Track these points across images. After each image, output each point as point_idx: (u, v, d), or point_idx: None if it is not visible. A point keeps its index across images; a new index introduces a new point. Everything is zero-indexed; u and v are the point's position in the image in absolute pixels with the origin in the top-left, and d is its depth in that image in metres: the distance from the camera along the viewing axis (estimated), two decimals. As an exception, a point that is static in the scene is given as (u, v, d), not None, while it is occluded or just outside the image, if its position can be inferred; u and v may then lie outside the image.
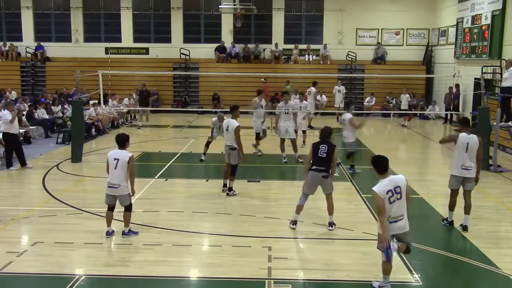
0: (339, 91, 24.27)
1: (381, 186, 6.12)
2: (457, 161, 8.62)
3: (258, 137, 15.32)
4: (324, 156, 8.42)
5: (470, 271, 7.31)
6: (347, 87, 25.50)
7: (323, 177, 8.45)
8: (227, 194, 10.75)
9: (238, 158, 10.68)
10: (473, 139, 8.59)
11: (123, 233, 8.25)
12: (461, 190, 8.87)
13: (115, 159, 8.06)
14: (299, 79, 24.39)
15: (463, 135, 8.63)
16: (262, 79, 24.65)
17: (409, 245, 6.34)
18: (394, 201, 6.07)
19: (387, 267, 6.30)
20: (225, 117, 12.33)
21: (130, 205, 8.28)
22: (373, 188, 6.18)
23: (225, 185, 11.02)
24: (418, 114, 24.67)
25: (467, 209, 8.76)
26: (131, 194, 8.23)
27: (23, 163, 13.20)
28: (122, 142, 8.26)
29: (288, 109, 14.20)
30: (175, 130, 21.06)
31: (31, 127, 17.17)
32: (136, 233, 8.32)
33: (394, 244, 6.13)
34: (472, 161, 8.59)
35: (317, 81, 22.16)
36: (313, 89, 21.62)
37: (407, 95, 24.14)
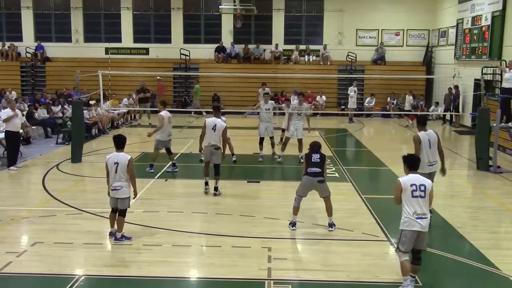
0: (355, 91, 24.16)
1: (407, 178, 6.39)
2: (424, 159, 8.72)
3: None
4: (318, 161, 8.60)
5: (470, 272, 7.30)
6: (347, 88, 25.37)
7: (318, 182, 8.54)
8: (215, 194, 10.76)
9: (221, 157, 10.79)
10: (431, 134, 8.95)
11: (116, 238, 8.07)
12: None
13: (115, 163, 8.05)
14: (300, 80, 24.45)
15: (422, 134, 8.90)
16: (158, 77, 24.57)
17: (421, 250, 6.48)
18: (417, 196, 6.26)
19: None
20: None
21: (126, 210, 8.14)
22: (398, 178, 6.46)
23: (206, 183, 10.95)
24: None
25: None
26: (133, 196, 8.19)
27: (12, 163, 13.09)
28: (122, 143, 8.21)
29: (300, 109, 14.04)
30: (175, 131, 20.91)
31: (32, 127, 17.13)
32: (129, 238, 8.11)
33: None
34: (435, 156, 8.90)
35: (313, 82, 22.06)
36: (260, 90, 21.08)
37: (411, 96, 24.10)
